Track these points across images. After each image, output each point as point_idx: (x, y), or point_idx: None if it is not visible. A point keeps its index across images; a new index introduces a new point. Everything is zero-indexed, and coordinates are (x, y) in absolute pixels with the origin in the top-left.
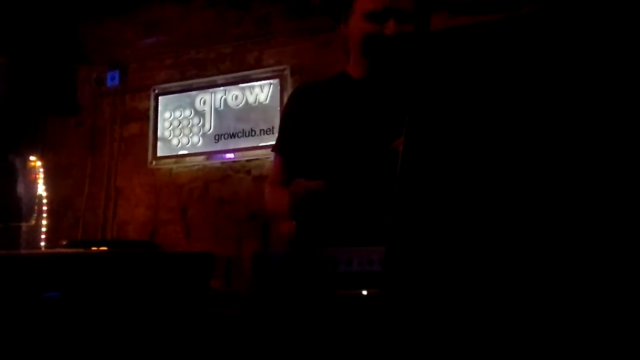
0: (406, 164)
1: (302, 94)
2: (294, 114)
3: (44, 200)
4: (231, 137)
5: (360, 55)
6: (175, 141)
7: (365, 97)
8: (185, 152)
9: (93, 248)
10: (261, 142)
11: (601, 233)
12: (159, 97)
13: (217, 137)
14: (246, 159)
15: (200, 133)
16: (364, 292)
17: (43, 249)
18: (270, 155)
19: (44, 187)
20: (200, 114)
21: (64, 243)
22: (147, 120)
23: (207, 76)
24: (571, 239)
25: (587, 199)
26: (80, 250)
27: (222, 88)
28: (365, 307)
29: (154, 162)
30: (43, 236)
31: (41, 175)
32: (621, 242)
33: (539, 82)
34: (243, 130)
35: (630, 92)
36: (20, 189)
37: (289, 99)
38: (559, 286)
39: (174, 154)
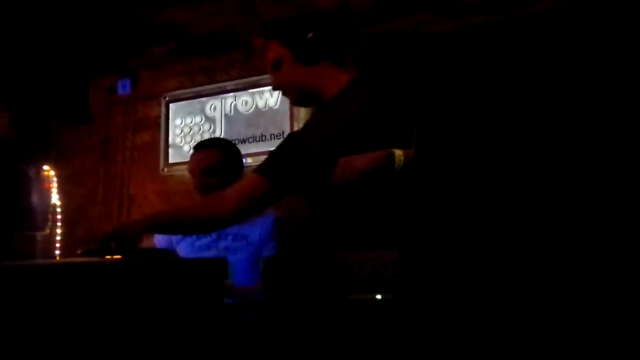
0: (418, 170)
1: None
2: None
3: (58, 209)
4: (242, 143)
5: None
6: (186, 148)
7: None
8: None
9: (107, 257)
10: (271, 147)
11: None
12: (170, 104)
13: None
14: (257, 163)
15: None
16: (378, 297)
17: (58, 257)
18: None
19: (57, 195)
20: (210, 120)
21: (79, 252)
22: (158, 127)
23: (217, 82)
24: (584, 250)
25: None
26: (96, 259)
27: (232, 94)
28: (379, 311)
29: (165, 169)
30: (58, 245)
31: (55, 184)
32: None
33: (543, 80)
34: (253, 135)
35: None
36: (35, 198)
37: None
38: (550, 282)
39: (185, 160)
